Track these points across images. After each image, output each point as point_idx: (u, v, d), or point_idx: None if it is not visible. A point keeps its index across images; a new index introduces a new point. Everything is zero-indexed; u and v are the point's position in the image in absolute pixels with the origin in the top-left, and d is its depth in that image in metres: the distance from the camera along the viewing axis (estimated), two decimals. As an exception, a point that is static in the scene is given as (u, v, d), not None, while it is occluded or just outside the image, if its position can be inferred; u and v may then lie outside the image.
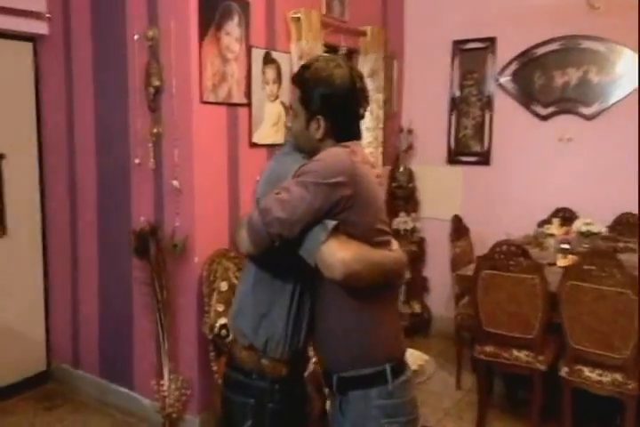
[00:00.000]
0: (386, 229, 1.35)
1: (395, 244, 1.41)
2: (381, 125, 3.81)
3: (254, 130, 2.94)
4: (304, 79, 1.34)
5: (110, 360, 3.08)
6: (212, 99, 2.69)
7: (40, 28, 3.09)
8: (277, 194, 1.26)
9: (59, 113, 3.17)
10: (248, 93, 2.88)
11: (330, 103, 1.32)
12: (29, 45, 3.12)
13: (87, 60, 3.02)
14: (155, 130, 2.74)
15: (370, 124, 3.72)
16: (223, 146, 2.81)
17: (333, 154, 1.29)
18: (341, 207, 1.26)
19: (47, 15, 3.07)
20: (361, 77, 1.37)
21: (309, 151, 1.37)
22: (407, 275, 1.50)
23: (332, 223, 1.26)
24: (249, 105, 2.89)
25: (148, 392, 2.84)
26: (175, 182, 2.70)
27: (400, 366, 1.37)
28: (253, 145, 2.95)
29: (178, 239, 2.66)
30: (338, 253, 1.21)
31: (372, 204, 1.30)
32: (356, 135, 1.38)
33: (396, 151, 4.14)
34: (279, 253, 1.30)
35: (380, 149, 3.80)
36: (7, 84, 3.03)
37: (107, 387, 3.07)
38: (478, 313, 2.77)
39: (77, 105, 3.10)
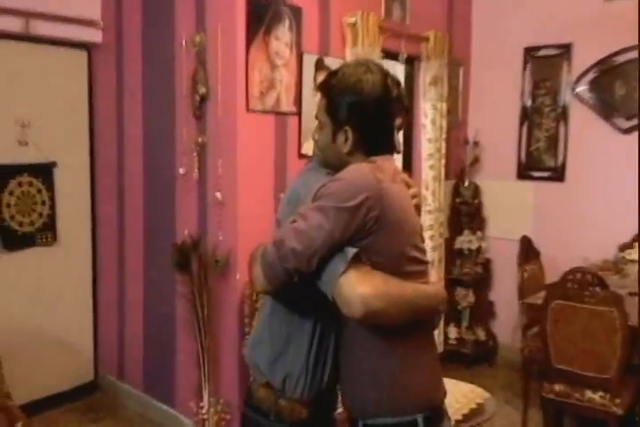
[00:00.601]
0: (420, 256, 1.27)
1: (432, 274, 1.30)
2: (445, 136, 3.70)
3: (304, 140, 2.88)
4: (330, 86, 1.29)
5: (153, 376, 3.09)
6: (258, 107, 2.66)
7: (94, 35, 3.14)
8: (293, 222, 1.19)
9: (109, 121, 3.21)
10: (298, 101, 2.83)
11: (358, 112, 1.26)
12: (84, 54, 3.19)
13: (137, 67, 3.05)
14: (200, 139, 2.73)
15: (432, 134, 3.63)
16: (270, 157, 2.77)
17: (355, 171, 1.22)
18: (365, 232, 1.18)
19: (101, 23, 3.16)
20: (397, 84, 1.30)
21: (337, 167, 1.30)
22: (444, 309, 1.35)
23: (351, 251, 1.18)
24: (298, 114, 2.84)
25: (188, 412, 2.81)
26: (218, 194, 2.68)
27: (436, 417, 1.26)
28: (303, 156, 2.88)
29: (220, 255, 2.64)
30: (357, 288, 1.13)
31: (403, 227, 1.21)
32: (389, 149, 1.31)
33: (461, 164, 4.05)
34: (297, 287, 1.22)
35: (443, 162, 3.70)
36: (62, 91, 3.10)
37: (149, 403, 3.07)
38: (547, 347, 2.62)
39: (127, 113, 3.14)
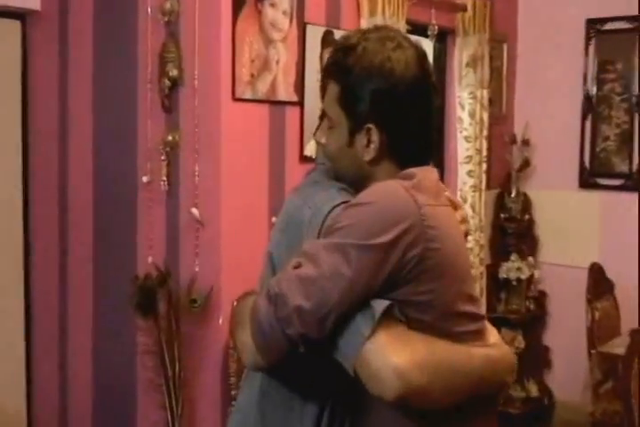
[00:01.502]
0: (475, 310, 1.27)
1: (492, 333, 1.31)
2: (486, 133, 3.67)
3: (307, 138, 2.87)
4: (346, 67, 1.26)
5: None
6: (248, 95, 2.66)
7: (31, 2, 3.02)
8: (297, 266, 1.17)
9: (48, 113, 3.12)
10: (300, 87, 2.84)
11: (387, 104, 1.26)
12: (16, 24, 3.06)
13: (87, 42, 2.98)
14: (170, 137, 2.70)
15: (470, 131, 3.61)
16: (263, 161, 2.78)
17: (385, 190, 1.22)
18: (402, 279, 1.17)
19: (39, -14, 3.10)
20: (429, 63, 1.32)
21: (353, 181, 1.31)
22: (512, 379, 1.34)
23: (381, 306, 1.15)
24: (300, 103, 2.85)
25: None
26: (195, 211, 2.65)
27: None
28: (306, 160, 2.89)
29: (197, 292, 2.61)
30: (390, 357, 1.12)
31: (454, 269, 1.22)
32: (427, 156, 1.33)
33: (507, 169, 4.01)
34: (302, 360, 1.19)
35: (484, 167, 3.66)
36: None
37: None
38: (631, 412, 2.51)
39: (72, 103, 3.06)
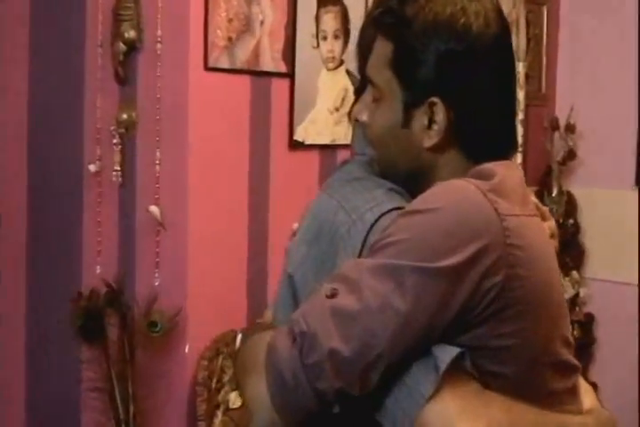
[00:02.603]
0: (570, 359, 1.23)
1: (587, 393, 1.28)
2: (521, 116, 3.62)
3: (299, 119, 2.92)
4: (404, 20, 1.23)
5: None
6: (224, 63, 2.67)
7: None
8: (332, 296, 1.13)
9: None
10: (290, 55, 2.87)
11: (460, 72, 1.23)
12: None
13: None
14: (124, 116, 2.72)
15: None
16: (243, 147, 2.80)
17: (456, 194, 1.17)
18: (475, 316, 1.12)
19: None
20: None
21: (404, 177, 1.29)
22: None
23: (448, 354, 1.10)
24: (290, 75, 2.88)
25: None
26: (155, 209, 2.65)
27: None
28: (297, 146, 2.94)
29: (158, 313, 2.60)
30: (458, 425, 1.07)
31: (544, 304, 1.18)
32: (510, 146, 1.31)
33: (546, 162, 3.97)
34: (332, 421, 1.15)
35: (519, 158, 3.61)
36: None
37: None
38: None
39: (2, 67, 3.02)
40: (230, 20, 2.65)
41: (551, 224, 1.34)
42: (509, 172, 1.22)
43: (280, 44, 2.83)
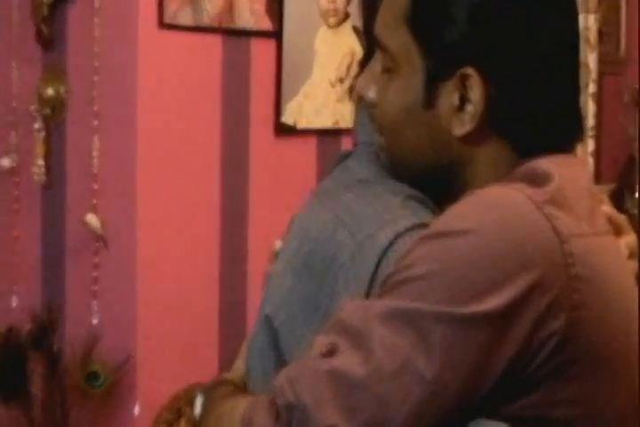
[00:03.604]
0: None
1: None
2: (593, 88, 3.74)
3: (288, 94, 2.92)
4: None
5: None
6: (186, 19, 2.67)
7: None
8: (330, 353, 1.11)
9: None
10: (276, 7, 2.87)
11: (503, 33, 1.22)
12: None
13: None
14: (50, 91, 2.72)
15: None
16: (212, 131, 2.80)
17: (498, 208, 1.15)
18: (527, 378, 1.09)
19: None
20: None
21: (426, 177, 1.29)
22: None
23: None
24: (277, 35, 2.89)
25: None
26: (92, 219, 2.60)
27: None
28: (286, 130, 2.95)
29: (99, 360, 2.61)
30: None
31: (620, 357, 1.17)
32: (573, 134, 1.28)
33: (627, 149, 4.01)
34: None
35: (590, 146, 3.71)
36: None
37: None
38: None
39: None
40: (194, -39, 2.64)
41: (630, 240, 1.28)
42: (572, 172, 1.18)
43: None
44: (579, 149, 3.46)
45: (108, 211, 2.62)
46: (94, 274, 2.63)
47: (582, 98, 3.52)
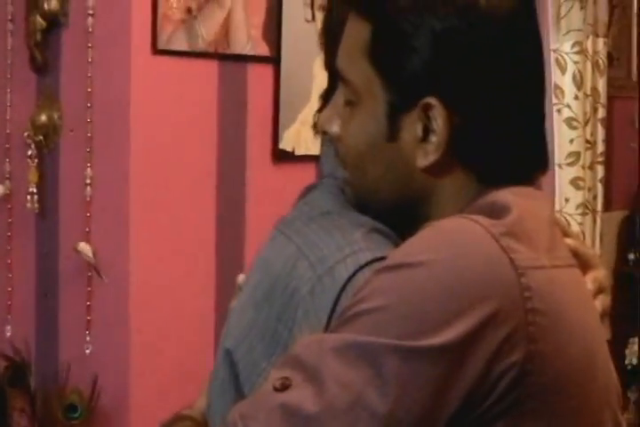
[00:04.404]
0: None
1: None
2: (603, 113, 3.67)
3: (286, 120, 2.93)
4: None
5: None
6: (181, 44, 2.68)
7: None
8: (283, 388, 1.11)
9: None
10: (274, 32, 2.88)
11: (465, 61, 1.22)
12: None
13: None
14: (43, 117, 2.73)
15: (575, 108, 3.57)
16: (208, 158, 2.80)
17: (456, 239, 1.15)
18: (482, 416, 1.08)
19: None
20: None
21: (390, 210, 1.29)
22: None
23: None
24: (275, 60, 2.89)
25: None
26: (85, 247, 2.62)
27: None
28: (284, 157, 2.96)
29: (82, 394, 2.59)
30: None
31: (583, 390, 1.16)
32: (535, 164, 1.30)
33: (638, 176, 4.02)
34: None
35: (600, 172, 3.66)
36: None
37: None
38: None
39: None
40: (189, -16, 2.66)
41: (598, 275, 1.28)
42: (534, 203, 1.19)
43: (260, 18, 2.81)
44: (588, 175, 3.42)
45: (100, 238, 2.63)
46: (87, 303, 2.63)
47: (591, 124, 3.37)
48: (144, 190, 2.64)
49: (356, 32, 1.24)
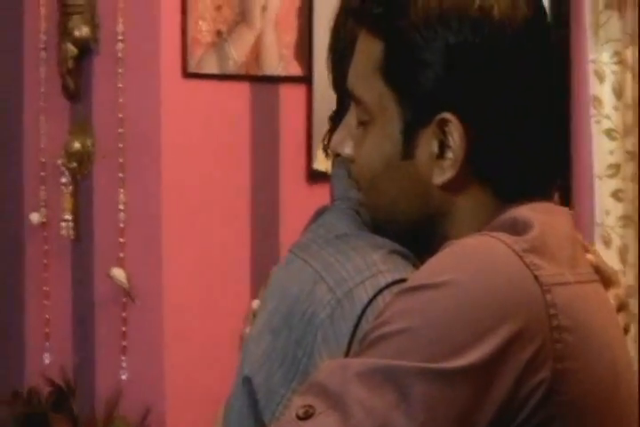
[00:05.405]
0: None
1: None
2: None
3: (320, 141, 2.71)
4: (397, 7, 1.23)
5: None
6: (211, 67, 2.71)
7: None
8: (306, 416, 1.07)
9: None
10: (305, 52, 2.89)
11: (480, 75, 1.21)
12: None
13: None
14: (76, 144, 2.75)
15: (615, 119, 3.54)
16: (241, 181, 2.82)
17: (478, 258, 1.14)
18: None
19: None
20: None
21: (407, 230, 1.28)
22: None
23: None
24: (307, 80, 2.90)
25: None
26: (119, 273, 2.65)
27: None
28: (318, 177, 2.91)
29: (124, 421, 2.63)
30: None
31: (609, 407, 1.15)
32: (553, 179, 1.29)
33: None
34: None
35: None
36: None
37: None
38: None
39: None
40: (219, 8, 2.68)
41: (619, 292, 1.29)
42: (554, 219, 1.18)
43: (291, 38, 2.84)
44: (630, 187, 3.36)
45: (134, 264, 2.66)
46: (122, 329, 2.65)
47: (633, 135, 3.40)
48: (177, 215, 2.66)
49: (368, 50, 1.24)
